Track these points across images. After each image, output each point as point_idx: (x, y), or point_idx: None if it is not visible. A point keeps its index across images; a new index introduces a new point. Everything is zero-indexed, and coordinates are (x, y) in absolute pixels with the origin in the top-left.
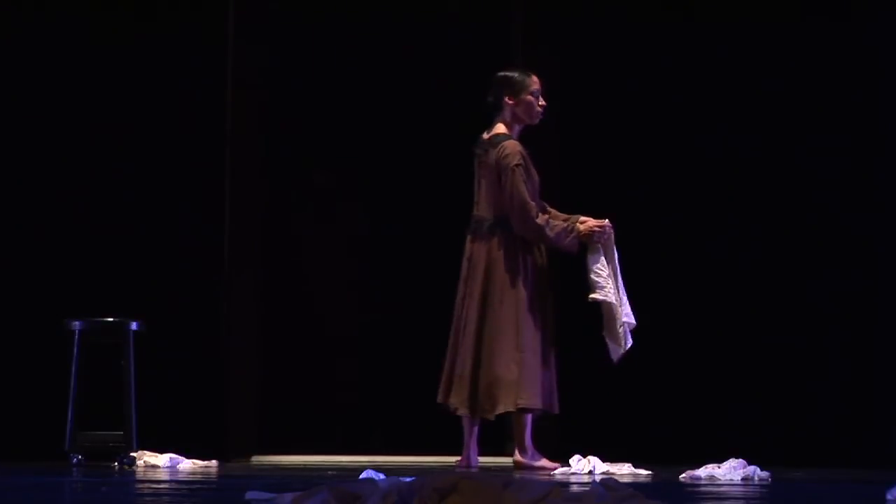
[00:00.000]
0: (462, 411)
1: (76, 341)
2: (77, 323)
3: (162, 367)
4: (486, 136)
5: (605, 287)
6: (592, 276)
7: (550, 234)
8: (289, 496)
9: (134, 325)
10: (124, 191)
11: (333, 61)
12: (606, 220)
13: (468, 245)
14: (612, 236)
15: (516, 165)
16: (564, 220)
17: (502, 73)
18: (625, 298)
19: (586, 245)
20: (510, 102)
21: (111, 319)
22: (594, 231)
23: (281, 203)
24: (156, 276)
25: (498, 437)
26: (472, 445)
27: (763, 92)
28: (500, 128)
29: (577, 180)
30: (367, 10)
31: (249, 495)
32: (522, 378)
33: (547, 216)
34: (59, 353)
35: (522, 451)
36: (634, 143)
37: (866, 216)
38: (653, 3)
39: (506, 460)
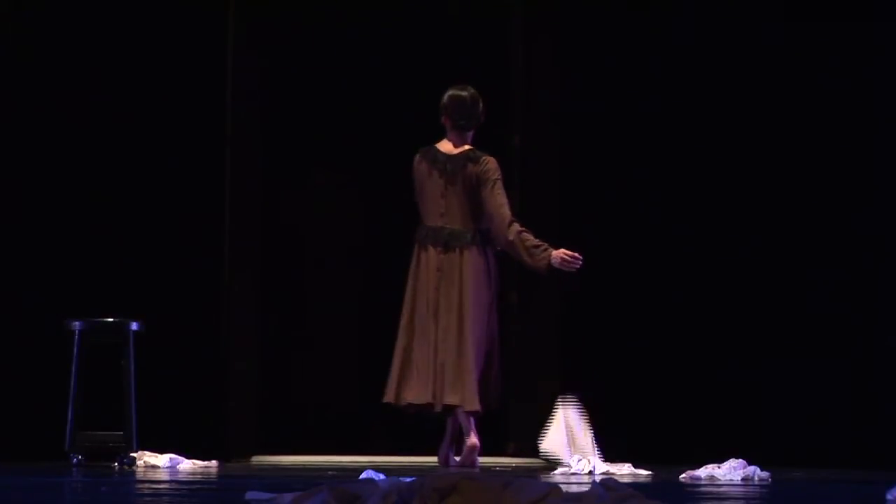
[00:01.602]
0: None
1: (76, 341)
2: (77, 323)
3: (162, 367)
4: (454, 150)
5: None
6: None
7: (523, 250)
8: (289, 496)
9: (134, 325)
10: (125, 191)
11: (333, 62)
12: (579, 256)
13: (436, 256)
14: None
15: (498, 179)
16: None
17: (474, 91)
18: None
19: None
20: (481, 120)
21: (111, 319)
22: (564, 258)
23: (281, 203)
24: (156, 276)
25: (498, 437)
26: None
27: (763, 92)
28: (467, 143)
29: (576, 180)
30: (367, 11)
31: (249, 495)
32: (474, 381)
33: (521, 229)
34: (59, 353)
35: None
36: (634, 144)
37: (866, 216)
38: (652, 3)
39: (506, 460)
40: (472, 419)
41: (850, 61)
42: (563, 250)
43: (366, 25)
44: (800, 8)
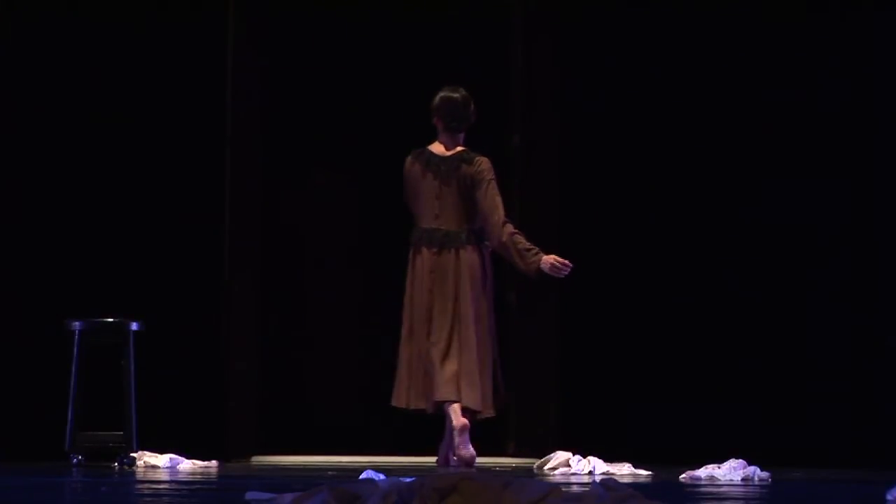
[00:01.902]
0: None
1: (76, 341)
2: (77, 323)
3: (162, 367)
4: (447, 152)
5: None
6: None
7: (515, 252)
8: (289, 496)
9: (134, 325)
10: (125, 191)
11: (332, 61)
12: (569, 263)
13: (430, 258)
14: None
15: (492, 179)
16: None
17: (465, 92)
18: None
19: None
20: (472, 121)
21: (111, 319)
22: (554, 264)
23: (281, 203)
24: (156, 276)
25: (498, 437)
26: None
27: (763, 90)
28: (459, 144)
29: (576, 180)
30: (367, 11)
31: (249, 495)
32: (484, 383)
33: (514, 231)
34: (59, 353)
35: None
36: (634, 144)
37: (866, 216)
38: (652, 3)
39: (506, 460)
40: (460, 408)
41: (850, 60)
42: (553, 256)
43: (366, 25)
44: (800, 6)
